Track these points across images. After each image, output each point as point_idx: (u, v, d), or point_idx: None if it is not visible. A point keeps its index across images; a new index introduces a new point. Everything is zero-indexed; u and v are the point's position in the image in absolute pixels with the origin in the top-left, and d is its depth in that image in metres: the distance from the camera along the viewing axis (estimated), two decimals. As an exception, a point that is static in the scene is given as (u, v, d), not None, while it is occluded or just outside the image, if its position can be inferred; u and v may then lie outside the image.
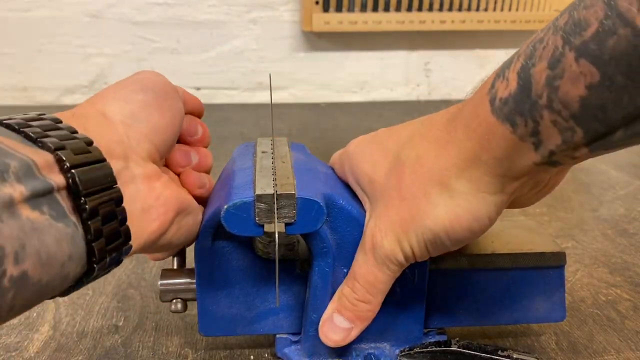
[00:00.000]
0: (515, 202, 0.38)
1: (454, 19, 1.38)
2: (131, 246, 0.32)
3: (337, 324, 0.42)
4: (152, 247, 0.36)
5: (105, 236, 0.29)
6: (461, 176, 0.34)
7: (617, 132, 0.28)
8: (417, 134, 0.38)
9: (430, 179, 0.36)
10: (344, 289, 0.42)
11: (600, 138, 0.29)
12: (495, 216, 0.36)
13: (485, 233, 0.49)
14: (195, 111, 0.45)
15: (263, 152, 0.46)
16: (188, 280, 0.45)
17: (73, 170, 0.28)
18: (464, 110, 0.35)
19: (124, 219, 0.31)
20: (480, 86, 0.34)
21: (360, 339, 0.46)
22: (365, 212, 0.43)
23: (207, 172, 0.44)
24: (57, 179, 0.27)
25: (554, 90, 0.29)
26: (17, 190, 0.25)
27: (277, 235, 0.38)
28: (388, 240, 0.38)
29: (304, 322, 0.45)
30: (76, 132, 0.30)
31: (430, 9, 1.38)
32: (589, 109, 0.28)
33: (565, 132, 0.29)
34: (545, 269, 0.48)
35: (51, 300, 0.58)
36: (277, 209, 0.38)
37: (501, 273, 0.47)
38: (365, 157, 0.42)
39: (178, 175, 0.42)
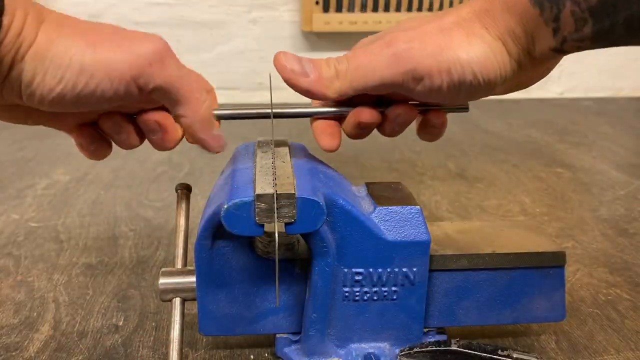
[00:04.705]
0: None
1: (454, 19, 1.38)
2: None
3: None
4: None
5: None
6: (497, 38, 0.40)
7: (618, 28, 0.36)
8: (454, 11, 0.42)
9: (469, 28, 0.40)
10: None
11: (604, 32, 0.37)
12: (510, 74, 0.41)
13: (485, 233, 0.50)
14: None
15: (263, 152, 0.46)
16: (188, 279, 0.45)
17: None
18: None
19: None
20: None
21: (360, 338, 0.46)
22: (364, 211, 0.43)
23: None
24: None
25: None
26: None
27: (277, 235, 0.38)
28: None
29: (304, 322, 0.45)
30: None
31: (431, 9, 1.38)
32: (604, 6, 0.35)
33: (579, 22, 0.37)
34: (545, 269, 0.48)
35: (51, 300, 0.58)
36: (277, 208, 0.38)
37: (501, 273, 0.47)
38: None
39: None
